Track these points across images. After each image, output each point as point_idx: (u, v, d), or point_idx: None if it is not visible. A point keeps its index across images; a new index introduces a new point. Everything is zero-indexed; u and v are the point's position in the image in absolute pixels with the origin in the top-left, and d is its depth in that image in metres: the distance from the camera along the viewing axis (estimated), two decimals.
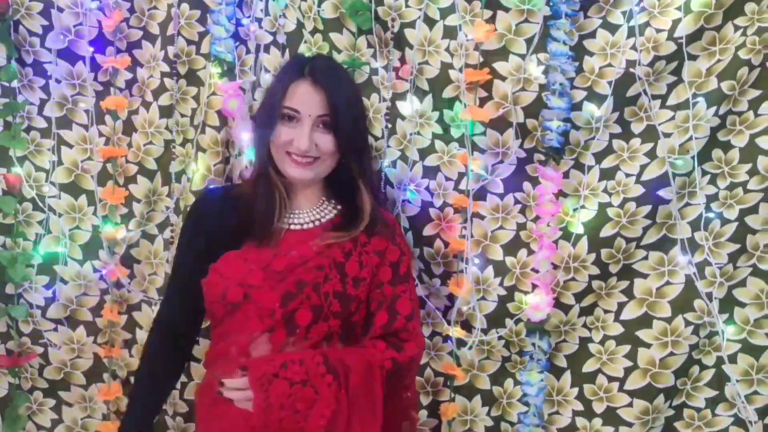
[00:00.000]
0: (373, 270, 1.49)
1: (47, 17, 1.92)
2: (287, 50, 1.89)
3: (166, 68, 1.96)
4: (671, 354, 1.78)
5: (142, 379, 1.63)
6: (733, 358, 1.78)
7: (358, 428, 1.40)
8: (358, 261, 1.48)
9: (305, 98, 1.45)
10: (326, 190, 1.59)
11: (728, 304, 1.77)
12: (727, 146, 1.73)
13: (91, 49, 1.95)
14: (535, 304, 1.79)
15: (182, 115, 1.96)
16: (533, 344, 1.83)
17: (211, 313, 1.52)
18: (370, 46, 1.83)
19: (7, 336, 2.04)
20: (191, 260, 1.54)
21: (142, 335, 2.06)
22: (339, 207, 1.58)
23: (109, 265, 2.00)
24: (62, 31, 1.93)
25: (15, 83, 1.94)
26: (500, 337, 1.85)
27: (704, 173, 1.74)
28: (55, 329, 2.04)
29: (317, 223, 1.54)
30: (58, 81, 1.96)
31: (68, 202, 2.00)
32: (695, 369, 1.81)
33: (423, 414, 1.94)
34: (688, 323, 1.77)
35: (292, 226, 1.52)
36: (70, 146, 1.99)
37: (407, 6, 1.79)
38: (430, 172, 1.84)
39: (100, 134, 1.99)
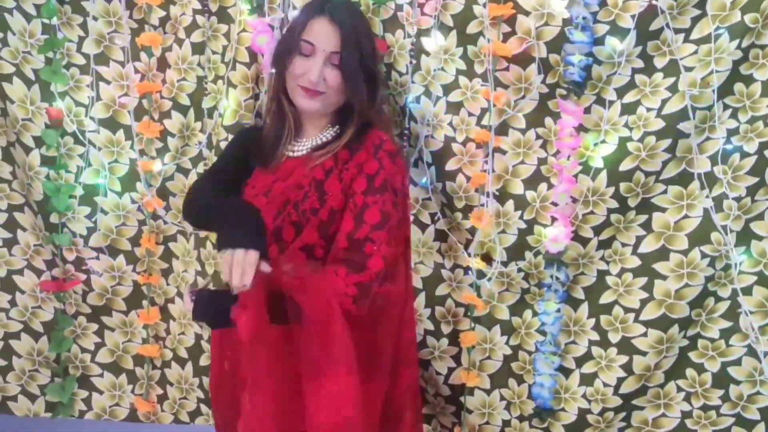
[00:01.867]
0: (347, 183, 1.51)
1: None
2: None
3: (197, 5, 2.01)
4: (687, 285, 1.82)
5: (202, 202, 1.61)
6: (748, 291, 1.81)
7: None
8: (338, 177, 1.52)
9: (321, 33, 1.52)
10: (336, 118, 1.63)
11: (745, 236, 1.80)
12: (749, 80, 1.73)
13: None
14: (554, 236, 1.84)
15: (213, 52, 2.02)
16: (551, 276, 1.88)
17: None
18: None
19: (53, 263, 2.16)
20: (231, 164, 1.71)
21: (177, 265, 2.17)
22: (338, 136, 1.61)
23: (147, 197, 2.10)
24: None
25: (55, 20, 2.02)
26: (519, 269, 1.91)
27: (725, 107, 1.75)
28: (97, 257, 2.15)
29: (306, 151, 1.61)
30: (95, 18, 2.04)
31: (107, 136, 2.10)
32: (710, 300, 1.85)
33: (444, 342, 2.01)
34: (704, 255, 1.80)
35: (293, 153, 1.61)
36: (108, 82, 2.08)
37: None
38: (453, 108, 1.88)
39: (136, 71, 2.07)
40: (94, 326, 2.22)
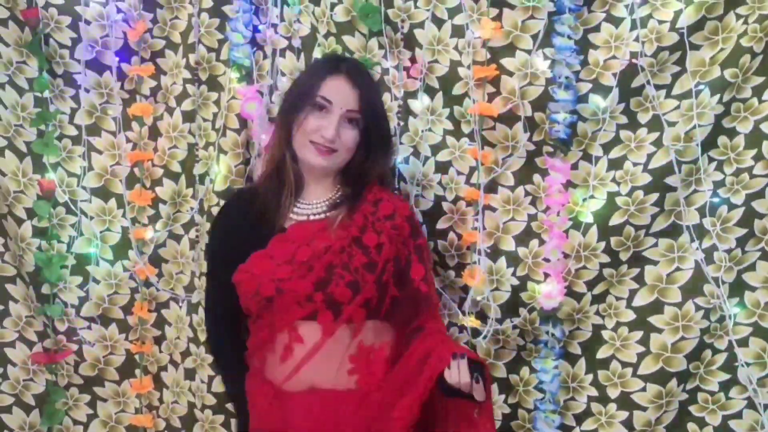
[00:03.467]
0: (389, 233, 1.57)
1: (75, 30, 2.03)
2: (302, 54, 1.97)
3: (188, 75, 2.05)
4: (683, 338, 1.82)
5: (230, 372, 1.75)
6: (744, 342, 1.81)
7: None
8: (373, 230, 1.57)
9: (340, 91, 1.54)
10: (339, 177, 1.64)
11: (738, 288, 1.80)
12: (732, 133, 1.76)
13: (117, 59, 2.05)
14: (548, 292, 1.84)
15: (204, 120, 2.05)
16: (547, 332, 1.87)
17: (247, 309, 1.62)
18: (381, 47, 1.90)
19: (44, 334, 2.13)
20: (224, 260, 1.65)
21: (170, 332, 2.15)
22: (345, 198, 1.64)
23: (139, 265, 2.10)
24: (90, 43, 2.04)
25: (47, 93, 2.05)
26: (515, 326, 1.90)
27: (711, 160, 1.78)
28: (89, 327, 2.13)
29: (325, 214, 1.61)
30: (87, 90, 2.07)
31: (99, 205, 2.11)
32: (708, 353, 1.84)
33: None
34: (698, 308, 1.81)
35: (305, 217, 1.60)
36: (100, 152, 2.10)
37: (416, 7, 1.86)
38: (442, 167, 1.90)
39: (128, 140, 2.09)
40: (87, 397, 2.18)
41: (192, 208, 2.09)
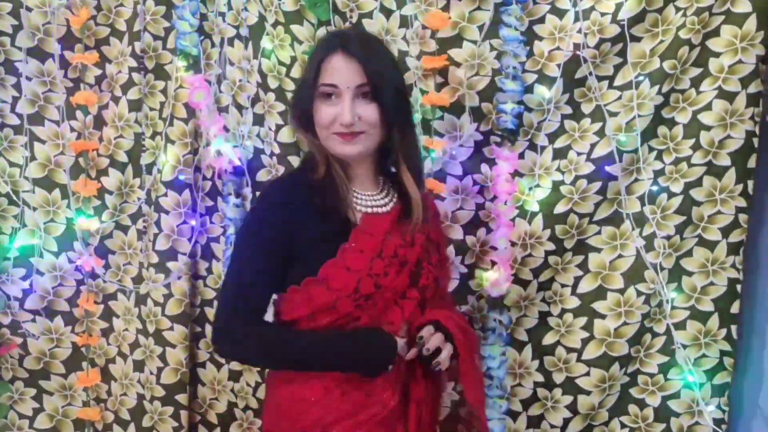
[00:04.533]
0: (439, 242, 1.59)
1: (16, 17, 1.99)
2: (250, 43, 1.95)
3: (133, 63, 2.02)
4: (625, 324, 1.87)
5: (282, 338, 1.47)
6: (682, 325, 1.86)
7: None
8: (433, 227, 1.58)
9: (340, 70, 1.39)
10: (379, 173, 1.54)
11: (676, 273, 1.85)
12: (671, 123, 1.81)
13: (60, 46, 2.01)
14: (495, 280, 1.86)
15: (151, 109, 2.02)
16: (495, 319, 1.90)
17: (333, 310, 1.43)
18: None
19: None
20: (275, 259, 1.44)
21: (118, 324, 2.12)
22: (394, 192, 1.54)
23: (84, 256, 2.06)
24: (32, 30, 1.99)
25: None
26: (464, 313, 1.93)
27: (651, 149, 1.82)
28: (33, 320, 2.10)
29: (390, 206, 1.50)
30: (29, 78, 2.02)
31: (42, 195, 2.06)
32: (647, 337, 1.89)
33: None
34: (639, 293, 1.85)
35: (374, 209, 1.48)
36: (43, 142, 2.05)
37: None
38: None
39: (72, 129, 2.06)
40: (32, 391, 2.15)
41: (139, 199, 2.07)
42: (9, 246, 2.05)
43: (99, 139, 2.06)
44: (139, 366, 2.10)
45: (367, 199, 1.49)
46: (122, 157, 2.07)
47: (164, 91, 2.00)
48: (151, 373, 2.07)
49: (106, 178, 2.08)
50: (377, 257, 1.42)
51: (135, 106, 2.04)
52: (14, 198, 2.05)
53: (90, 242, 2.07)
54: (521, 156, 1.87)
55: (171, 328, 2.02)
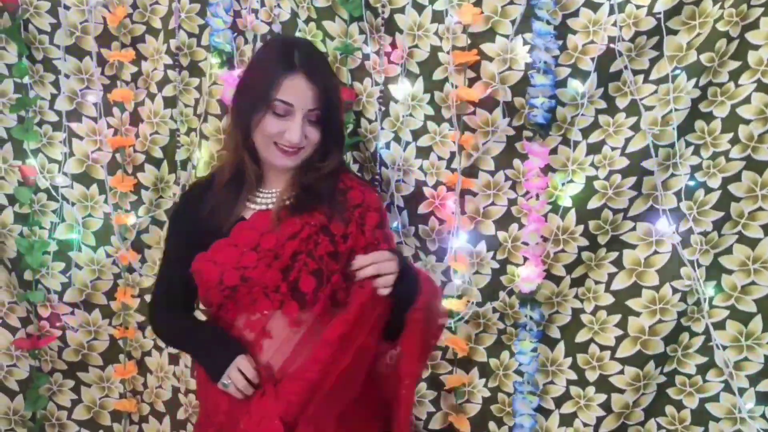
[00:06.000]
0: (358, 221, 1.52)
1: (55, 15, 2.02)
2: None
3: (168, 61, 2.05)
4: (660, 321, 1.83)
5: (178, 330, 1.64)
6: (721, 325, 1.82)
7: None
8: (340, 219, 1.51)
9: (299, 92, 1.44)
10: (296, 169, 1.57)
11: (715, 271, 1.81)
12: (708, 117, 1.77)
13: (97, 44, 2.04)
14: (526, 275, 1.85)
15: (186, 105, 2.05)
16: (526, 315, 1.88)
17: (207, 300, 1.55)
18: (361, 32, 1.90)
19: (27, 321, 2.14)
20: (184, 249, 1.55)
21: None
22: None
23: (121, 251, 2.10)
24: (69, 29, 2.03)
25: (26, 79, 2.04)
26: (494, 310, 1.92)
27: (687, 144, 1.79)
28: (72, 313, 2.14)
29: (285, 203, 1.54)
30: (67, 76, 2.06)
31: (80, 191, 2.11)
32: (685, 336, 1.85)
33: (422, 386, 2.00)
34: (675, 291, 1.82)
35: (262, 206, 1.54)
36: (81, 138, 2.10)
37: None
38: (423, 152, 1.91)
39: (109, 126, 2.09)
40: (71, 383, 2.19)
41: (174, 194, 2.10)
42: (49, 240, 2.09)
43: (135, 136, 2.10)
44: (174, 359, 2.13)
45: (265, 197, 1.55)
46: (158, 153, 2.10)
47: (199, 88, 2.03)
48: (186, 366, 2.10)
49: (142, 174, 2.11)
50: (251, 251, 1.48)
51: (170, 102, 2.07)
52: (53, 193, 2.09)
53: (127, 237, 2.11)
54: (554, 151, 1.85)
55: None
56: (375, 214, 1.54)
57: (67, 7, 2.02)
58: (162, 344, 2.15)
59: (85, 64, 2.06)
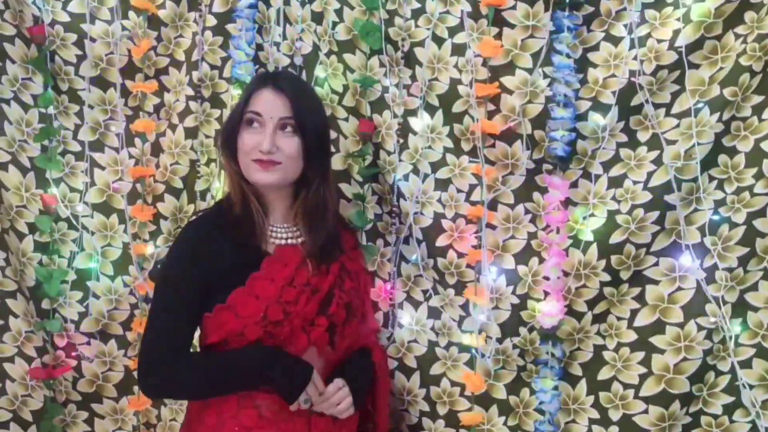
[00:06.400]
0: (359, 260, 1.61)
1: (81, 47, 2.06)
2: (304, 72, 1.98)
3: (191, 92, 2.07)
4: (685, 359, 1.79)
5: (194, 368, 1.59)
6: (748, 363, 1.77)
7: None
8: (349, 258, 1.64)
9: (267, 102, 1.52)
10: (295, 206, 1.63)
11: (740, 308, 1.77)
12: (732, 151, 1.75)
13: (121, 76, 2.07)
14: (547, 311, 1.82)
15: (206, 136, 2.06)
16: (547, 352, 1.85)
17: (242, 337, 1.52)
18: (381, 65, 1.91)
19: (43, 350, 2.13)
20: (197, 291, 1.54)
21: None
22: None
23: (139, 280, 2.10)
24: (95, 60, 2.06)
25: (51, 109, 2.07)
26: (515, 346, 1.88)
27: (711, 178, 1.77)
28: (88, 343, 2.13)
29: (299, 239, 1.63)
30: (91, 107, 2.09)
31: (100, 220, 2.12)
32: (711, 375, 1.80)
33: (440, 424, 1.96)
34: (700, 328, 1.78)
35: (281, 240, 1.59)
36: (102, 168, 2.11)
37: (417, 26, 1.87)
38: (442, 185, 1.90)
39: (130, 156, 2.11)
40: (84, 414, 2.17)
41: None
42: (67, 270, 2.10)
43: (156, 166, 2.11)
44: None
45: (282, 232, 1.59)
46: (178, 183, 2.12)
47: (219, 119, 2.04)
48: None
49: (161, 204, 2.12)
50: (288, 285, 1.51)
51: (191, 133, 2.09)
52: (74, 222, 2.10)
53: (144, 267, 2.11)
54: (574, 184, 1.84)
55: None
56: (367, 277, 1.70)
57: (93, 39, 2.05)
58: None
59: (109, 95, 2.09)
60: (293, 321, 1.50)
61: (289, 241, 1.58)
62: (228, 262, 1.53)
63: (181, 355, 1.56)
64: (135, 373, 2.11)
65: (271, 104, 1.51)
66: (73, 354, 2.13)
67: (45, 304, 2.11)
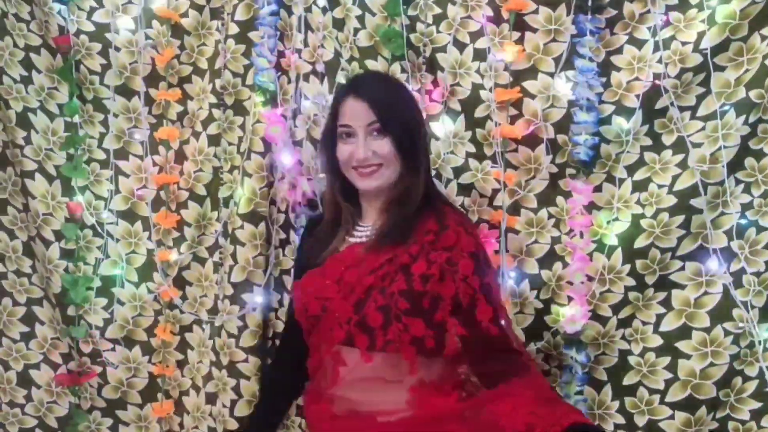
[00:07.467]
0: (442, 266, 1.49)
1: (105, 57, 2.08)
2: (326, 78, 1.99)
3: (213, 100, 2.09)
4: (711, 365, 1.77)
5: (266, 395, 1.84)
6: None
7: None
8: (425, 260, 1.50)
9: (352, 112, 1.55)
10: (394, 201, 1.60)
11: None
12: (759, 154, 1.73)
13: (145, 84, 2.09)
14: (571, 316, 1.81)
15: (229, 143, 2.07)
16: (571, 357, 1.84)
17: (301, 326, 1.64)
18: (403, 71, 1.91)
19: (69, 357, 2.15)
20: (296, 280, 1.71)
21: (192, 356, 2.15)
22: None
23: (163, 287, 2.11)
24: (119, 69, 2.09)
25: (77, 118, 2.10)
26: (539, 350, 1.87)
27: (738, 182, 1.75)
28: (113, 349, 2.15)
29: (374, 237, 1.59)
30: (115, 115, 2.11)
31: (125, 227, 2.14)
32: (738, 380, 1.78)
33: None
34: (727, 333, 1.76)
35: (359, 239, 1.60)
36: (127, 176, 2.13)
37: (438, 32, 1.88)
38: (465, 190, 1.90)
39: (154, 163, 2.13)
40: (109, 421, 2.19)
41: (216, 231, 2.11)
42: (93, 276, 2.12)
43: (179, 173, 2.13)
44: (211, 399, 2.11)
45: (361, 230, 1.62)
46: (201, 191, 2.13)
47: (242, 126, 2.05)
48: (224, 406, 2.07)
49: (185, 211, 2.13)
50: (334, 282, 1.55)
51: (214, 141, 2.10)
52: (99, 230, 2.12)
53: (168, 273, 2.12)
54: (599, 188, 1.83)
55: (245, 360, 2.03)
56: (469, 262, 1.50)
57: (117, 49, 2.07)
58: (200, 384, 2.13)
59: (133, 103, 2.11)
60: (329, 317, 1.53)
61: (363, 239, 1.60)
62: (310, 258, 1.64)
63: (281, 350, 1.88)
64: (159, 380, 2.14)
65: (356, 113, 1.54)
66: (99, 360, 2.15)
67: (70, 311, 2.13)
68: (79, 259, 2.12)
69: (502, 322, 1.54)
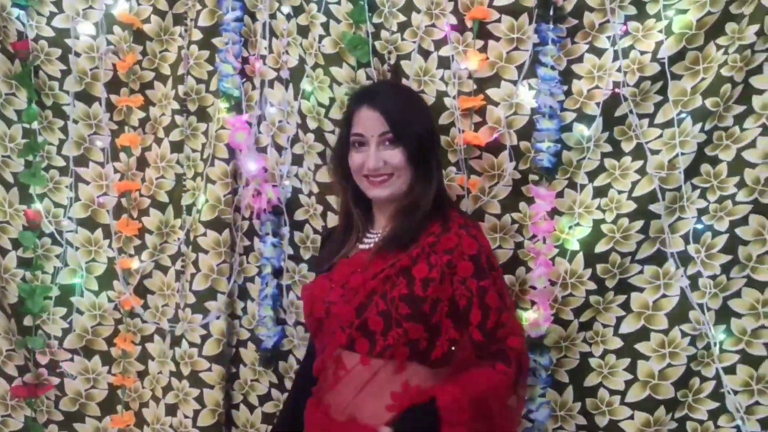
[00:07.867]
0: (443, 268, 1.50)
1: (65, 62, 2.05)
2: (290, 85, 1.99)
3: (176, 106, 2.07)
4: (669, 365, 1.81)
5: (296, 388, 1.79)
6: (732, 369, 1.80)
7: None
8: (426, 262, 1.50)
9: (365, 121, 1.56)
10: (404, 209, 1.61)
11: (724, 315, 1.80)
12: (714, 161, 1.78)
13: (106, 90, 2.07)
14: (534, 320, 1.83)
15: (193, 150, 2.06)
16: (534, 360, 1.86)
17: (308, 328, 1.69)
18: (368, 78, 1.92)
19: (25, 369, 2.09)
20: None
21: (153, 366, 2.12)
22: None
23: (124, 295, 2.08)
24: (79, 75, 2.06)
25: (35, 125, 2.06)
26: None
27: (694, 187, 1.80)
28: (72, 359, 2.11)
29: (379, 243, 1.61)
30: (75, 122, 2.08)
31: (85, 235, 2.10)
32: (696, 381, 1.83)
33: None
34: (684, 334, 1.80)
35: (367, 246, 1.61)
36: (87, 183, 2.10)
37: (403, 39, 1.89)
38: None
39: (115, 170, 2.10)
40: None
41: (179, 239, 2.09)
42: (51, 285, 2.07)
43: (141, 180, 2.10)
44: (171, 410, 2.08)
45: (371, 237, 1.63)
46: (163, 198, 2.11)
47: (206, 133, 2.04)
48: (186, 417, 2.05)
49: (147, 218, 2.10)
50: (340, 287, 1.55)
51: (177, 147, 2.08)
52: (57, 238, 2.08)
53: (130, 282, 2.09)
54: (560, 194, 1.86)
55: (209, 369, 2.01)
56: (468, 264, 1.50)
57: (78, 54, 2.04)
58: (160, 395, 2.10)
59: (93, 109, 2.08)
60: (333, 321, 1.54)
61: (371, 245, 1.61)
62: (321, 267, 1.68)
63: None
64: (119, 391, 2.10)
65: (369, 123, 1.56)
66: (57, 371, 2.10)
67: (27, 321, 2.09)
68: (37, 267, 2.07)
69: (504, 320, 1.53)
